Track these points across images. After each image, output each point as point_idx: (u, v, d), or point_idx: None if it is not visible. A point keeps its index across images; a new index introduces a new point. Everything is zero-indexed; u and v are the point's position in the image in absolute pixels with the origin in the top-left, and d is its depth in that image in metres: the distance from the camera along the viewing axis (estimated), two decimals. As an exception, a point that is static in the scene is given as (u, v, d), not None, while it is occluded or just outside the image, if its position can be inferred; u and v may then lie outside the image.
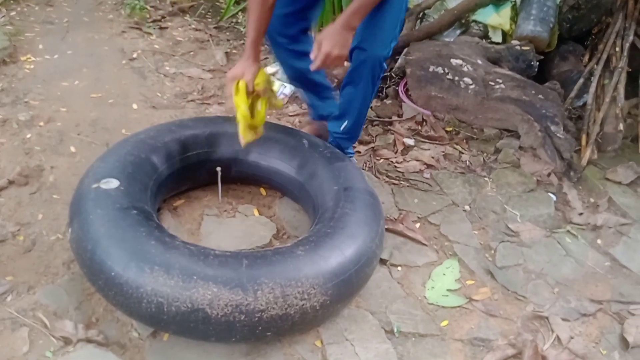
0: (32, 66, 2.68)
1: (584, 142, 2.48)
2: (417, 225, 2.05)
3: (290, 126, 2.37)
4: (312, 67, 1.71)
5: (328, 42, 1.66)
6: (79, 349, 1.41)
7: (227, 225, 1.91)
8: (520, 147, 2.49)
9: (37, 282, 1.59)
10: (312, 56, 1.70)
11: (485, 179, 2.35)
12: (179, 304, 1.30)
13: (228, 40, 3.18)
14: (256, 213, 1.98)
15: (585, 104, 2.57)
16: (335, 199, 1.66)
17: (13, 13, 3.15)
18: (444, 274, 1.75)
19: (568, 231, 2.15)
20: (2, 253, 1.66)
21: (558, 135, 2.44)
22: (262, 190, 2.09)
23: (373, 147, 2.44)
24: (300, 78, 2.16)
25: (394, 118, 2.65)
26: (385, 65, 1.88)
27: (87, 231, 1.41)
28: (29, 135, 2.18)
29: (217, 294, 1.31)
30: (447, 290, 1.79)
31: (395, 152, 2.43)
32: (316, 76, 2.13)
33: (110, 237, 1.39)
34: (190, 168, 1.85)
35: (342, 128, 2.06)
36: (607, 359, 1.66)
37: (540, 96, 2.55)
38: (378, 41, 1.79)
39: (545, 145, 2.45)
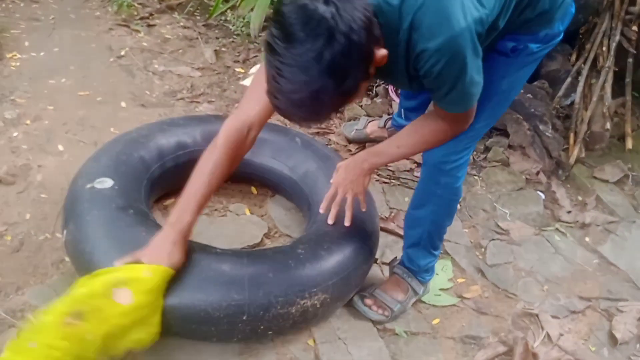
0: (17, 64, 2.63)
1: (571, 140, 2.51)
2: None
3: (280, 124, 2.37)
4: (321, 208, 1.54)
5: (341, 175, 1.48)
6: (70, 350, 1.39)
7: (219, 224, 1.89)
8: (510, 146, 2.51)
9: (26, 283, 1.56)
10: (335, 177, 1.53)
11: (475, 177, 2.37)
12: (180, 305, 1.29)
13: (217, 38, 3.16)
14: (247, 212, 1.97)
15: (573, 103, 2.59)
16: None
17: (-3, 9, 3.10)
18: (437, 274, 1.76)
19: (557, 229, 2.18)
20: (-10, 253, 1.64)
21: (546, 134, 2.46)
22: (253, 189, 2.08)
23: (364, 146, 2.44)
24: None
25: (385, 116, 2.65)
26: (455, 172, 1.45)
27: (85, 233, 1.39)
28: (15, 134, 2.15)
29: (218, 294, 1.30)
30: (440, 289, 1.80)
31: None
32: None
33: (109, 238, 1.37)
34: (183, 167, 1.82)
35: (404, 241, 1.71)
36: (596, 356, 1.68)
37: (528, 95, 2.57)
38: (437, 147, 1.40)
39: (534, 143, 2.48)
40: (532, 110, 2.51)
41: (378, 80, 2.70)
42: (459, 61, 1.10)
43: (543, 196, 2.33)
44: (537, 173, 2.42)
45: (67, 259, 1.61)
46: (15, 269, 1.60)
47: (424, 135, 1.36)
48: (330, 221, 1.53)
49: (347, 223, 1.52)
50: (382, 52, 1.04)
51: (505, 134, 2.54)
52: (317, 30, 0.92)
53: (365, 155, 1.46)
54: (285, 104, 1.00)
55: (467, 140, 1.41)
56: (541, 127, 2.47)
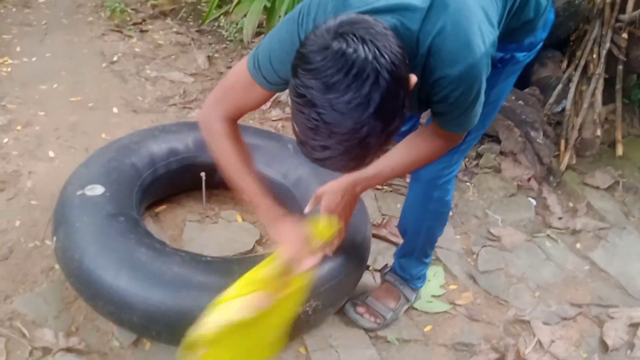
0: (9, 69, 2.62)
1: (562, 147, 2.52)
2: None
3: (273, 131, 2.37)
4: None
5: (331, 201, 1.39)
6: (59, 359, 1.38)
7: (210, 231, 1.89)
8: (501, 152, 2.52)
9: (15, 291, 1.55)
10: (306, 210, 1.46)
11: (467, 183, 2.38)
12: (170, 312, 1.29)
13: (210, 44, 3.16)
14: (239, 219, 1.97)
15: (563, 109, 2.61)
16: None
17: (-11, 14, 3.09)
18: (429, 280, 1.76)
19: (548, 235, 2.18)
20: (-22, 261, 1.62)
21: (538, 140, 2.48)
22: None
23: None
24: None
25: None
26: (447, 185, 1.46)
27: (74, 240, 1.39)
28: (6, 140, 2.14)
29: (209, 302, 1.29)
30: (432, 296, 1.80)
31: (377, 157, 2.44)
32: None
33: (99, 245, 1.37)
34: (174, 173, 1.82)
35: (396, 250, 1.72)
36: (587, 362, 1.69)
37: (520, 102, 2.58)
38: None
39: (526, 150, 2.49)
40: (524, 117, 2.52)
41: None
42: (477, 87, 1.07)
43: (534, 202, 2.34)
44: (529, 179, 2.43)
45: (57, 266, 1.60)
46: (4, 277, 1.58)
47: (419, 155, 1.32)
48: (328, 252, 1.44)
49: (327, 251, 1.43)
50: (413, 78, 0.96)
51: (497, 141, 2.55)
52: (362, 74, 0.85)
53: (356, 179, 1.36)
54: (329, 154, 0.91)
55: (458, 154, 1.40)
56: (532, 133, 2.48)
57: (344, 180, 1.37)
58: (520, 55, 1.33)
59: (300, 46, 0.90)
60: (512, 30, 1.27)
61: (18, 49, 2.81)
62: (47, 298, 1.54)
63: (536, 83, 2.72)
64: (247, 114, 1.34)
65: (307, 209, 1.45)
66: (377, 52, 0.86)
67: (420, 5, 1.00)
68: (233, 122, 1.28)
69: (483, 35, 1.03)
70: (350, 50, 0.85)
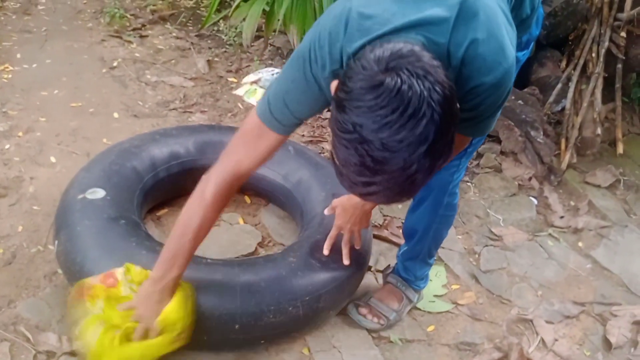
0: (10, 76, 2.63)
1: (563, 146, 2.52)
2: (402, 230, 2.06)
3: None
4: (325, 248, 1.47)
5: (343, 218, 1.44)
6: (63, 363, 1.38)
7: (212, 234, 1.85)
8: (502, 152, 2.52)
9: (18, 296, 1.55)
10: (326, 212, 1.50)
11: (468, 183, 2.38)
12: None
13: (210, 48, 3.17)
14: (241, 221, 1.97)
15: (563, 109, 2.61)
16: (323, 205, 1.66)
17: (-11, 22, 3.10)
18: (431, 280, 1.76)
19: (550, 234, 2.18)
20: (-19, 266, 1.63)
21: (538, 139, 2.48)
22: (247, 198, 2.08)
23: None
24: None
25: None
26: (455, 189, 1.46)
27: (76, 243, 1.39)
28: (7, 146, 2.14)
29: (210, 303, 1.30)
30: (434, 295, 1.80)
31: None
32: None
33: (100, 249, 1.37)
34: (176, 177, 1.83)
35: (400, 252, 1.69)
36: (591, 360, 1.69)
37: (519, 102, 2.59)
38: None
39: (526, 149, 2.49)
40: (524, 116, 2.53)
41: None
42: (508, 91, 1.05)
43: (536, 202, 2.34)
44: (530, 179, 2.43)
45: (59, 271, 1.60)
46: (7, 282, 1.58)
47: None
48: (346, 262, 1.48)
49: (346, 261, 1.48)
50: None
51: (497, 141, 2.55)
52: (418, 113, 0.80)
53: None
54: (373, 190, 0.88)
55: (465, 157, 1.39)
56: (532, 133, 2.49)
57: (354, 197, 1.31)
58: (519, 54, 1.32)
59: (345, 79, 0.86)
60: None
61: (18, 55, 2.82)
62: (50, 302, 1.54)
63: (535, 82, 2.73)
64: (254, 168, 1.24)
65: (326, 212, 1.52)
66: (432, 88, 0.81)
67: (445, 16, 0.95)
68: (235, 184, 1.24)
69: (510, 38, 1.01)
70: (405, 87, 0.80)
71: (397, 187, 0.86)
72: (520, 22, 1.26)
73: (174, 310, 1.24)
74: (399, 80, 0.81)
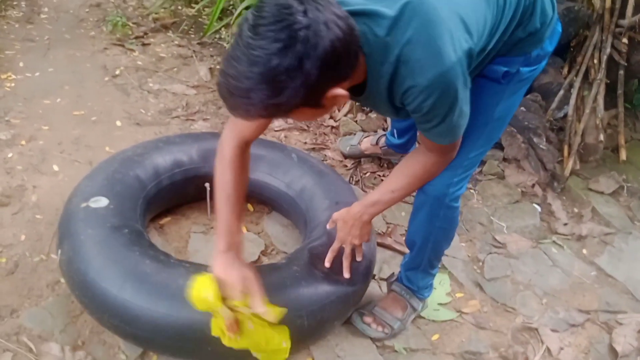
0: (12, 84, 2.64)
1: (566, 153, 2.52)
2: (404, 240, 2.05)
3: (276, 141, 2.37)
4: (327, 261, 1.48)
5: (343, 231, 1.46)
6: (65, 374, 1.38)
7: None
8: (505, 159, 2.52)
9: (21, 305, 1.55)
10: (328, 226, 1.52)
11: (471, 190, 2.37)
12: (176, 324, 1.28)
13: (212, 56, 3.17)
14: (244, 229, 1.96)
15: (566, 115, 2.61)
16: (327, 213, 1.65)
17: (-8, 30, 3.11)
18: (435, 288, 1.75)
19: (554, 241, 2.17)
20: (-16, 276, 1.62)
21: (541, 146, 2.48)
22: (250, 206, 2.07)
23: (359, 161, 2.45)
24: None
25: (379, 132, 2.66)
26: (453, 203, 1.44)
27: (79, 252, 1.38)
28: (10, 155, 2.14)
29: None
30: (439, 304, 1.79)
31: (381, 166, 2.44)
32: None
33: (103, 258, 1.36)
34: (179, 184, 1.82)
35: (403, 262, 1.69)
36: (597, 369, 1.68)
37: (522, 108, 2.59)
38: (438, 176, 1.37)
39: (529, 156, 2.48)
40: (526, 123, 2.52)
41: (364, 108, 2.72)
42: (450, 96, 1.08)
43: (539, 209, 2.33)
44: (533, 186, 2.43)
45: (62, 280, 1.60)
46: (10, 292, 1.58)
47: (415, 173, 1.35)
48: (347, 275, 1.48)
49: (346, 275, 1.48)
50: (340, 92, 0.99)
51: (500, 147, 2.55)
52: (280, 34, 0.89)
53: (362, 207, 1.42)
54: (224, 85, 0.96)
55: (462, 170, 1.39)
56: (535, 139, 2.48)
57: (352, 209, 1.43)
58: (526, 70, 1.31)
59: None
60: (518, 41, 1.26)
61: (21, 64, 2.82)
62: (53, 312, 1.53)
63: (538, 89, 2.72)
64: (256, 136, 1.35)
65: (328, 226, 1.52)
66: (309, 32, 0.89)
67: (389, 14, 1.03)
68: (245, 148, 1.34)
69: (455, 43, 1.04)
70: (292, 10, 0.89)
71: (238, 95, 0.95)
72: (529, 35, 1.26)
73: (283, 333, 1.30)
74: (295, 4, 0.90)
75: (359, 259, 1.51)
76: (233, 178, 1.32)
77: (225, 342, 1.26)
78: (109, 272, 1.34)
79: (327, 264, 1.47)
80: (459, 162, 1.35)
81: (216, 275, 1.24)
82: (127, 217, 1.53)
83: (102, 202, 1.52)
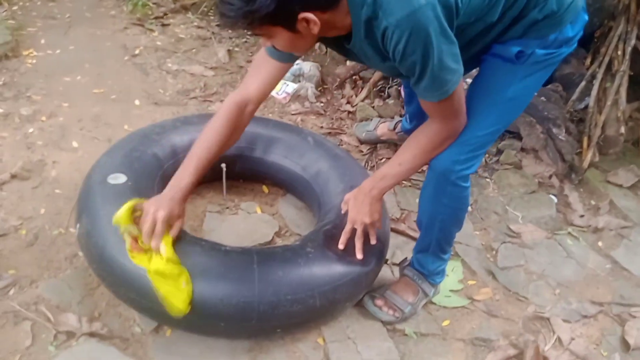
0: (34, 61, 2.67)
1: (585, 144, 2.49)
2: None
3: (292, 124, 2.37)
4: (340, 243, 1.48)
5: (354, 209, 1.46)
6: (82, 343, 1.41)
7: (230, 222, 1.91)
8: (522, 149, 2.49)
9: (40, 276, 1.58)
10: (343, 208, 1.53)
11: (487, 179, 2.36)
12: (192, 299, 1.30)
13: (230, 37, 3.18)
14: (259, 210, 1.98)
15: (587, 106, 2.57)
16: (341, 197, 1.65)
17: (15, 7, 3.14)
18: (447, 275, 1.75)
19: (569, 233, 2.16)
20: (5, 247, 1.66)
21: (560, 137, 2.45)
22: (265, 188, 2.09)
23: (375, 147, 2.44)
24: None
25: (396, 118, 2.65)
26: (460, 182, 1.41)
27: (97, 227, 1.41)
28: (31, 130, 2.18)
29: (228, 291, 1.31)
30: (450, 290, 1.80)
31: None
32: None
33: None
34: (195, 164, 1.84)
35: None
36: (608, 361, 1.67)
37: (542, 98, 2.55)
38: (446, 149, 1.36)
39: (547, 147, 2.46)
40: (546, 113, 2.49)
41: (357, 64, 2.70)
42: (422, 38, 1.09)
43: (556, 200, 2.31)
44: (550, 177, 2.40)
45: (80, 253, 1.63)
46: (29, 263, 1.62)
47: (419, 143, 1.36)
48: (359, 256, 1.48)
49: (359, 255, 1.48)
50: (311, 16, 1.08)
51: (518, 137, 2.52)
52: None
53: (371, 182, 1.43)
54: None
55: (470, 148, 1.37)
56: (554, 130, 2.46)
57: (362, 185, 1.46)
58: (541, 52, 1.29)
59: None
60: (534, 23, 1.25)
61: (43, 41, 2.85)
62: (70, 284, 1.57)
63: (559, 79, 2.69)
64: (265, 97, 1.47)
65: (343, 208, 1.53)
66: None
67: None
68: (243, 108, 1.43)
69: None
70: None
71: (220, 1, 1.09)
72: (545, 18, 1.25)
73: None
74: None
75: (372, 242, 1.51)
76: (216, 128, 1.40)
77: (135, 260, 1.30)
78: (125, 247, 1.36)
79: (340, 246, 1.48)
80: (466, 138, 1.35)
81: (144, 204, 1.33)
82: (144, 194, 1.54)
83: (120, 178, 1.54)
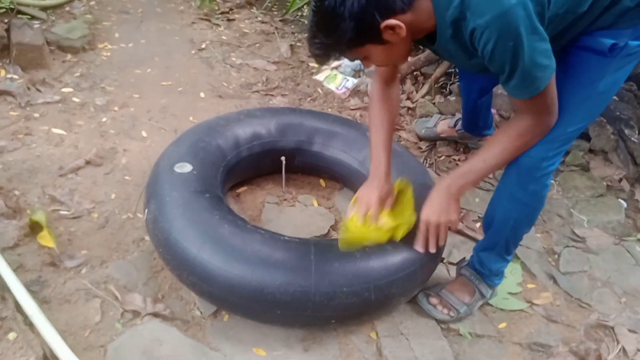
0: (108, 54, 2.81)
1: (660, 147, 2.35)
2: (478, 225, 2.01)
3: (351, 119, 2.38)
4: (420, 247, 1.45)
5: (428, 207, 1.41)
6: (146, 322, 1.48)
7: (287, 213, 1.94)
8: (591, 150, 2.39)
9: (109, 257, 1.67)
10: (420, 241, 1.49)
11: (552, 181, 2.28)
12: (248, 286, 1.34)
13: (293, 33, 3.22)
14: (315, 203, 2.01)
15: (663, 107, 2.44)
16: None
17: (92, 2, 3.32)
18: (505, 277, 1.71)
19: (639, 240, 2.05)
20: (78, 228, 1.76)
21: (632, 139, 2.33)
22: (322, 182, 2.11)
23: (434, 144, 2.41)
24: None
25: (457, 115, 2.60)
26: (544, 180, 1.37)
27: (164, 213, 1.47)
28: (104, 119, 2.30)
29: (285, 279, 1.34)
30: (508, 293, 1.75)
31: (457, 150, 2.40)
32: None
33: (186, 219, 1.44)
34: (256, 156, 1.89)
35: (477, 244, 1.67)
36: (676, 376, 1.58)
37: (614, 97, 2.44)
38: (535, 145, 1.32)
39: (618, 149, 2.35)
40: (618, 113, 2.38)
41: (444, 61, 2.68)
42: (512, 39, 1.07)
43: (625, 204, 2.20)
44: (620, 180, 2.29)
45: (146, 237, 1.71)
46: (100, 244, 1.72)
47: (509, 138, 1.31)
48: (432, 250, 1.46)
49: (432, 249, 1.46)
50: (394, 22, 1.10)
51: (586, 138, 2.42)
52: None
53: (451, 179, 1.38)
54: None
55: (558, 144, 1.32)
56: (626, 131, 2.34)
57: (440, 184, 1.42)
58: (634, 44, 1.23)
59: None
60: (626, 11, 1.20)
61: (117, 35, 3.00)
62: (137, 266, 1.65)
63: (633, 78, 2.56)
64: (399, 71, 1.58)
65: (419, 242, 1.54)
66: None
67: None
68: (386, 85, 1.54)
69: None
70: None
71: (308, 40, 1.21)
72: (637, 5, 1.20)
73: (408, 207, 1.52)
74: None
75: (441, 242, 1.47)
76: (378, 113, 1.53)
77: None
78: (190, 233, 1.42)
79: (420, 249, 1.46)
80: (557, 135, 1.30)
81: (357, 194, 1.52)
82: (208, 183, 1.61)
83: (186, 167, 1.61)
